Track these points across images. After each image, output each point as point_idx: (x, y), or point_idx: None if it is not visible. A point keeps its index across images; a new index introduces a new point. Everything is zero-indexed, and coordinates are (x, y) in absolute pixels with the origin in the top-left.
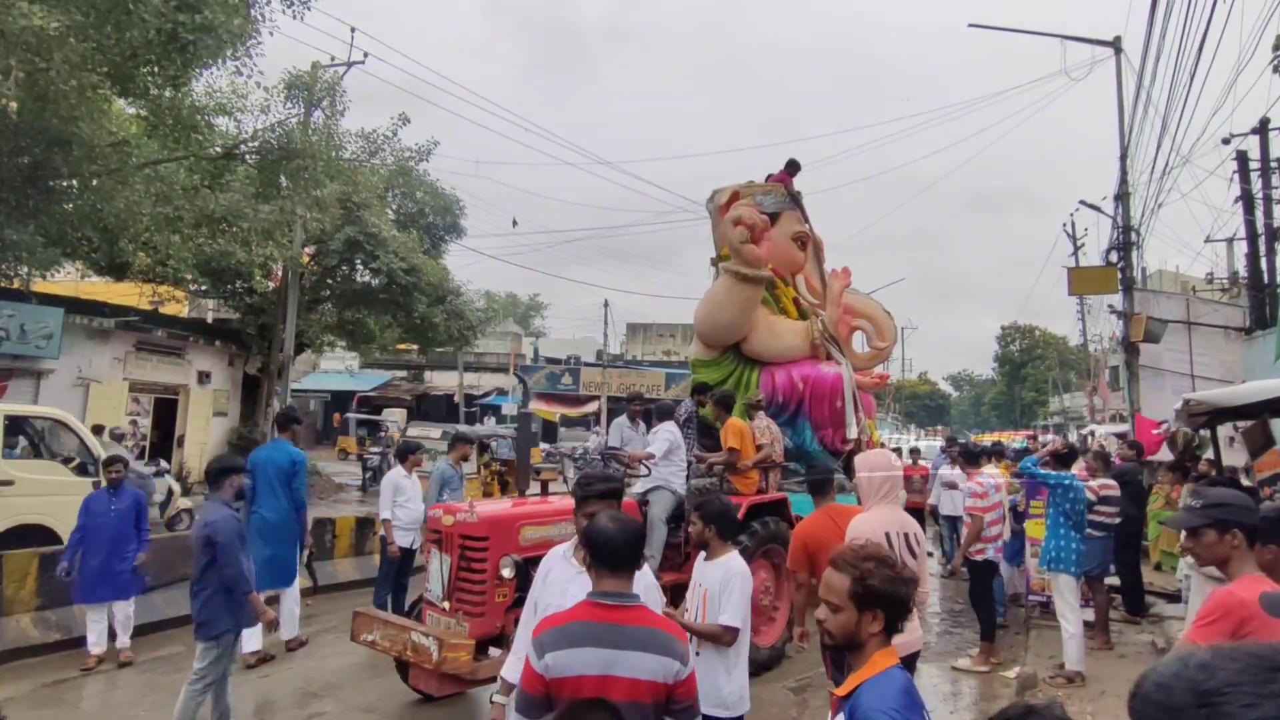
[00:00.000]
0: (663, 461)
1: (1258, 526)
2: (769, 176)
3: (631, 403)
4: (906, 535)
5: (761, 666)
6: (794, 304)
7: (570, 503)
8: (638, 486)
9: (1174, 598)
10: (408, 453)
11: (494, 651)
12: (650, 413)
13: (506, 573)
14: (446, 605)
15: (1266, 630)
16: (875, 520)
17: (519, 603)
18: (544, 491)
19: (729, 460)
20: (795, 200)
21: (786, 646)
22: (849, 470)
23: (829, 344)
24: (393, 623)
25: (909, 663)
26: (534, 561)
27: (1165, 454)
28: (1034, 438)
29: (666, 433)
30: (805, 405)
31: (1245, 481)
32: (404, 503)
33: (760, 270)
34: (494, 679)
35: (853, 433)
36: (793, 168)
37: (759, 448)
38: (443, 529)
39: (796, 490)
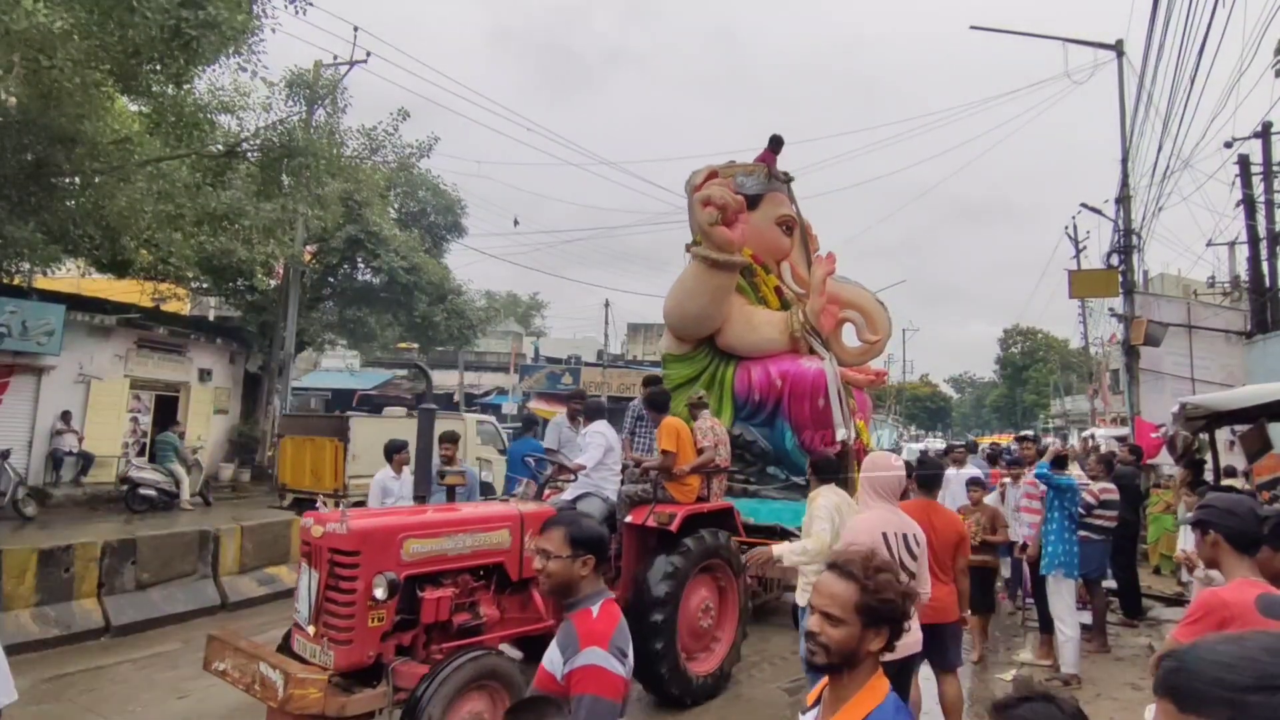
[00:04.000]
0: (596, 467)
1: (1245, 531)
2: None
3: (571, 400)
4: (905, 536)
5: (705, 695)
6: (776, 293)
7: (482, 510)
8: (567, 493)
9: (1172, 601)
10: (394, 451)
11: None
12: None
13: (379, 593)
14: (312, 630)
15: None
16: (873, 521)
17: (401, 626)
18: (450, 497)
19: (664, 464)
20: (781, 181)
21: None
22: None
23: (810, 337)
24: (244, 650)
25: (908, 665)
26: (421, 580)
27: (1164, 457)
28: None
29: (599, 436)
30: (784, 404)
31: (1230, 482)
32: (392, 505)
33: (732, 255)
34: (368, 717)
35: (841, 434)
36: (776, 144)
37: (700, 450)
38: (312, 541)
39: (777, 497)
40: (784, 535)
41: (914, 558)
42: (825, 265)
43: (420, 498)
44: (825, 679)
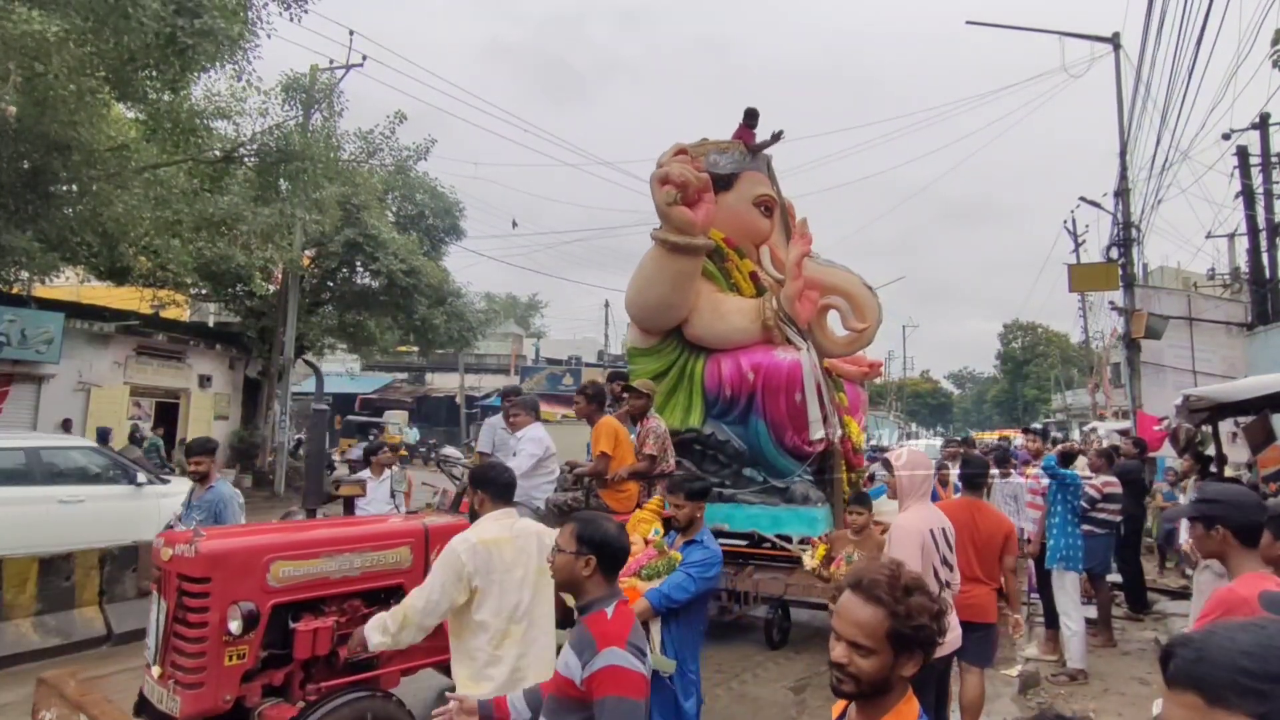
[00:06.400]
0: (527, 474)
1: (1252, 524)
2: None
3: (505, 397)
4: (944, 530)
5: None
6: (751, 279)
7: (377, 526)
8: None
9: (1177, 595)
10: (372, 453)
11: None
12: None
13: (234, 626)
14: (158, 671)
15: None
16: (916, 520)
17: (272, 663)
18: (348, 510)
19: (597, 469)
20: (758, 156)
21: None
22: (820, 475)
23: (785, 325)
24: (69, 699)
25: (946, 663)
26: (297, 608)
27: (1167, 450)
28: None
29: (533, 443)
30: (758, 399)
31: (1230, 473)
32: (364, 506)
33: (693, 238)
34: None
35: (817, 432)
36: (751, 118)
37: (641, 455)
38: (161, 565)
39: (754, 501)
40: (760, 542)
41: (951, 549)
42: (800, 245)
43: (310, 511)
44: None
